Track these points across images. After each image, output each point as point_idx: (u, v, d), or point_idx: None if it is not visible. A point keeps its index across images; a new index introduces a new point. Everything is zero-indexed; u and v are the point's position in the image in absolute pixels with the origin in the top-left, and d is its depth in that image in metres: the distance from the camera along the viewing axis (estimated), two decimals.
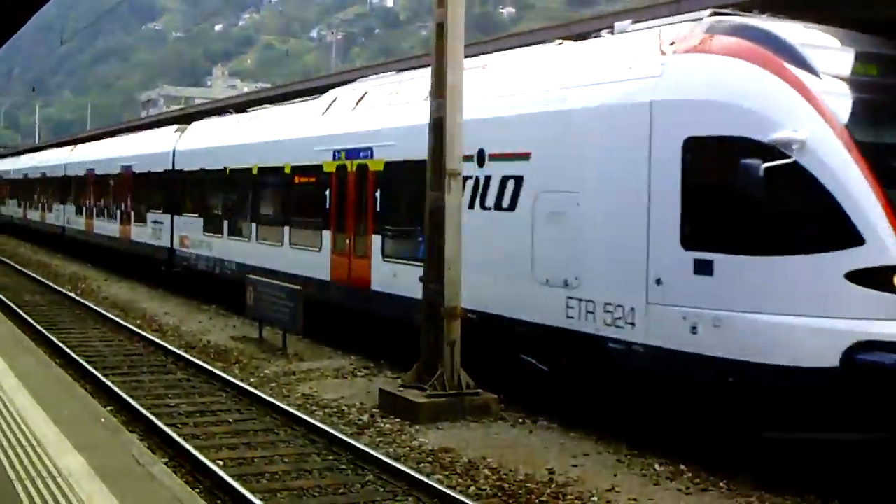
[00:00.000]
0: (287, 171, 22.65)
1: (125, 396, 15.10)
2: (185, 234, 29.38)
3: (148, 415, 13.92)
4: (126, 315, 25.57)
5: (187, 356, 19.02)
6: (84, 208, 43.41)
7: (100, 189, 40.87)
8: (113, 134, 50.86)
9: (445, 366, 14.63)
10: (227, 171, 26.66)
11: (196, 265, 28.40)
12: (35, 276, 35.28)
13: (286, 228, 22.68)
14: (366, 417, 14.62)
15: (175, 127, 34.03)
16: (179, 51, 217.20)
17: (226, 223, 26.55)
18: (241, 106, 32.49)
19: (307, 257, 21.27)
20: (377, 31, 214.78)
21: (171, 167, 31.14)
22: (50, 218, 51.00)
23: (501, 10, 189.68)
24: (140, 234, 34.13)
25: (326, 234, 20.57)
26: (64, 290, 30.56)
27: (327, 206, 20.58)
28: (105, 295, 30.44)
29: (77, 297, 28.72)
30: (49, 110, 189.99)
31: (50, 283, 32.58)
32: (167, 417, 14.18)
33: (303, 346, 20.50)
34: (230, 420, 14.41)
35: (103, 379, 16.42)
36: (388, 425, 14.11)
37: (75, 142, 56.11)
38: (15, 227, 62.52)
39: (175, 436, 12.76)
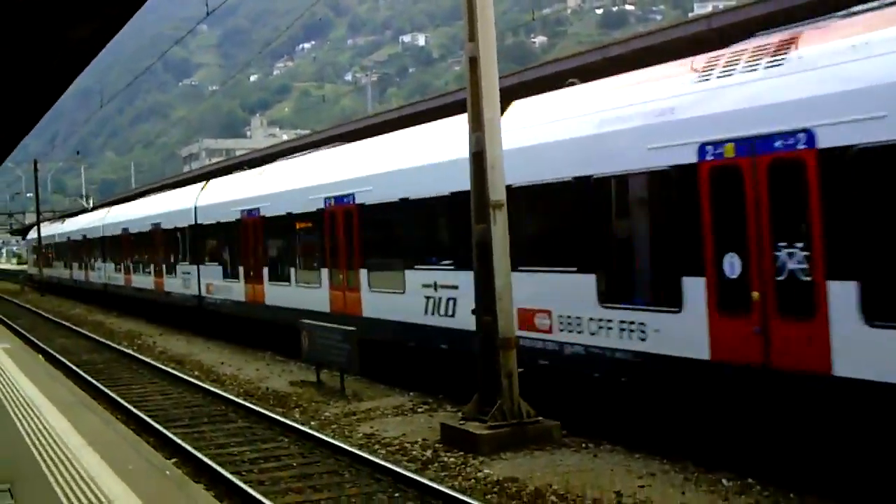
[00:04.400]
0: None
1: (189, 448, 15.19)
2: None
3: (212, 464, 13.97)
4: (183, 367, 25.79)
5: (247, 404, 19.12)
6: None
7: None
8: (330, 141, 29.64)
9: (504, 396, 14.59)
10: None
11: None
12: (91, 335, 35.65)
13: None
14: (429, 453, 14.60)
15: None
16: (217, 104, 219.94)
17: None
18: None
19: None
20: (411, 69, 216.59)
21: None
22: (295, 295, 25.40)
23: (533, 40, 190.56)
24: None
25: None
26: (121, 348, 30.87)
27: None
28: (161, 349, 30.72)
29: (134, 354, 29.01)
30: (93, 172, 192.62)
31: (106, 342, 32.92)
32: (231, 466, 14.23)
33: (361, 386, 20.56)
34: (294, 464, 14.43)
35: (166, 432, 16.55)
36: (451, 459, 14.09)
37: (264, 160, 34.52)
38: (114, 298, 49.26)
39: (241, 483, 12.79)
